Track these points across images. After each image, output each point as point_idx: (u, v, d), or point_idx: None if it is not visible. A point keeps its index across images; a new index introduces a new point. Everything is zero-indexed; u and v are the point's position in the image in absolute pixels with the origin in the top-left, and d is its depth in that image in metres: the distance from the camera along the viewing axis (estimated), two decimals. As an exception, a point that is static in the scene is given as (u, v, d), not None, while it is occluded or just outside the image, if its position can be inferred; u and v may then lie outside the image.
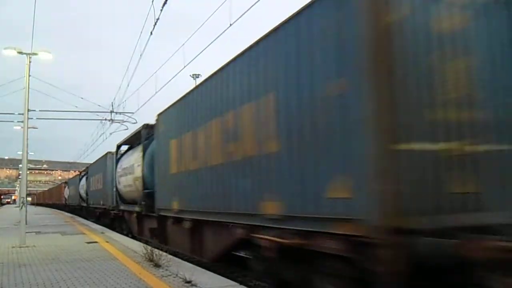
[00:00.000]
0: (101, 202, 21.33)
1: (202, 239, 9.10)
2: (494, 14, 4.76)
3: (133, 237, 14.59)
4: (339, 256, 4.63)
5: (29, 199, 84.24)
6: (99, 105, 21.20)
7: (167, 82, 14.18)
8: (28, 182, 27.50)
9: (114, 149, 19.15)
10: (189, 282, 6.33)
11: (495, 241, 3.78)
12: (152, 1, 9.63)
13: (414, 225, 3.94)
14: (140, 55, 13.58)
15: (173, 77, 13.19)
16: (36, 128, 24.92)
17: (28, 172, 23.35)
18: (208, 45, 10.18)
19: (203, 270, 7.62)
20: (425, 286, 4.07)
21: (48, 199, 67.41)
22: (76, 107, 19.35)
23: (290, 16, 5.67)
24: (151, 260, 8.09)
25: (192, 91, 9.71)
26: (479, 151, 4.45)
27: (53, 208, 55.25)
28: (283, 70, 5.81)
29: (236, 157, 7.09)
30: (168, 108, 11.11)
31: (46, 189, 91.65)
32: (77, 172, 46.20)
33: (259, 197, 6.23)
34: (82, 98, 19.70)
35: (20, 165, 21.95)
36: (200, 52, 10.80)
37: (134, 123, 18.76)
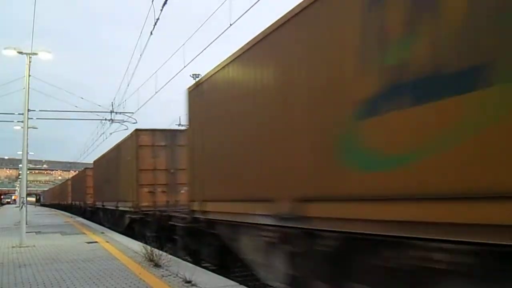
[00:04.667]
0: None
1: None
2: None
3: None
4: None
5: (32, 199, 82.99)
6: (99, 105, 21.15)
7: (167, 82, 14.17)
8: (28, 182, 27.42)
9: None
10: (189, 282, 6.32)
11: None
12: (152, 1, 9.62)
13: None
14: (140, 55, 13.56)
15: (173, 77, 13.17)
16: (36, 128, 24.88)
17: (28, 172, 23.32)
18: (208, 45, 10.15)
19: (203, 270, 7.61)
20: None
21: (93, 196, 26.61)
22: (76, 107, 19.34)
23: None
24: (151, 260, 8.09)
25: None
26: None
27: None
28: None
29: None
30: None
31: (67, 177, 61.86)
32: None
33: None
34: (82, 98, 19.71)
35: (20, 165, 21.93)
36: (200, 52, 10.77)
37: (134, 123, 18.72)
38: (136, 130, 15.00)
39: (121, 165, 16.93)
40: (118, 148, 18.11)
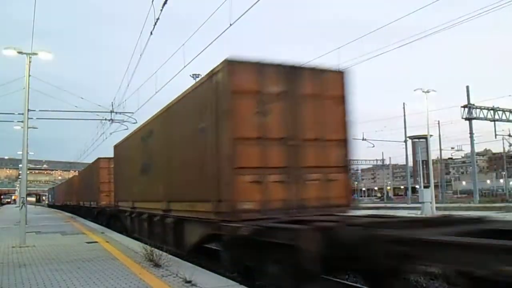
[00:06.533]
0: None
1: None
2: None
3: None
4: None
5: (32, 199, 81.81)
6: (99, 105, 21.18)
7: (167, 82, 14.23)
8: (28, 182, 27.35)
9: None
10: (189, 282, 6.33)
11: None
12: (152, 1, 9.65)
13: None
14: (140, 55, 13.64)
15: (173, 77, 13.25)
16: (36, 128, 24.88)
17: (28, 172, 23.30)
18: (208, 45, 10.20)
19: (203, 270, 7.62)
20: None
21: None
22: (76, 107, 19.40)
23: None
24: (151, 260, 8.10)
25: None
26: None
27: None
28: None
29: None
30: None
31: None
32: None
33: None
34: (82, 98, 19.75)
35: (20, 165, 21.93)
36: (200, 52, 10.83)
37: (134, 123, 18.79)
38: None
39: None
40: None
